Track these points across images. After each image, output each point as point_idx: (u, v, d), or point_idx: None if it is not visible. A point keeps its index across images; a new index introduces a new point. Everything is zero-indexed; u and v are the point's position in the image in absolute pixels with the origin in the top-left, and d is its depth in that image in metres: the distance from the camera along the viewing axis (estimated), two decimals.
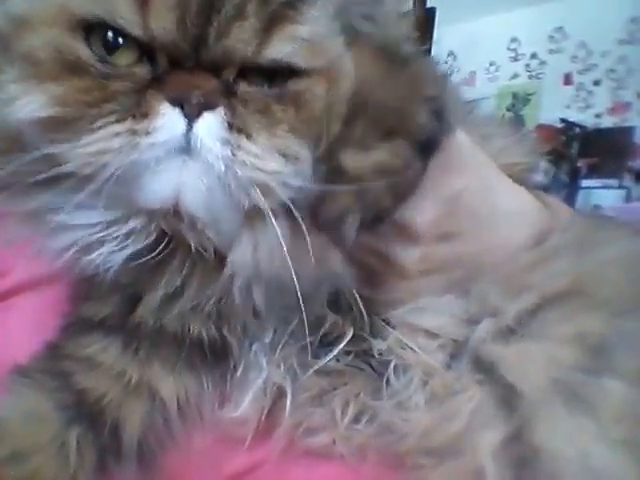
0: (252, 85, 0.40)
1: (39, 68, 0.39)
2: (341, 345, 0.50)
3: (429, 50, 0.56)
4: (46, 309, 0.53)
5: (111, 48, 0.39)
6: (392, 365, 0.50)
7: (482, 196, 0.52)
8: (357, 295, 0.47)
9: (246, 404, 0.50)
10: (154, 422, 0.48)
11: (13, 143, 0.40)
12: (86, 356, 0.49)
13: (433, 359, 0.50)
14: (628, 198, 3.90)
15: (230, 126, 0.38)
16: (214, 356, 0.49)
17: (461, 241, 0.51)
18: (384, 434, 0.50)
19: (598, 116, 4.21)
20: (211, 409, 0.50)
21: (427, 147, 0.43)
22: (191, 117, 0.38)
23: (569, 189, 3.95)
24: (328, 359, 0.51)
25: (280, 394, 0.51)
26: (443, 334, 0.51)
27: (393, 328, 0.51)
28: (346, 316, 0.51)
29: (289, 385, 0.51)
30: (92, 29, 0.39)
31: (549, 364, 0.46)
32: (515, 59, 4.59)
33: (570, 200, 3.56)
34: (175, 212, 0.42)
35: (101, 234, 0.43)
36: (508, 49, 4.60)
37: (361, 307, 0.48)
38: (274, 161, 0.40)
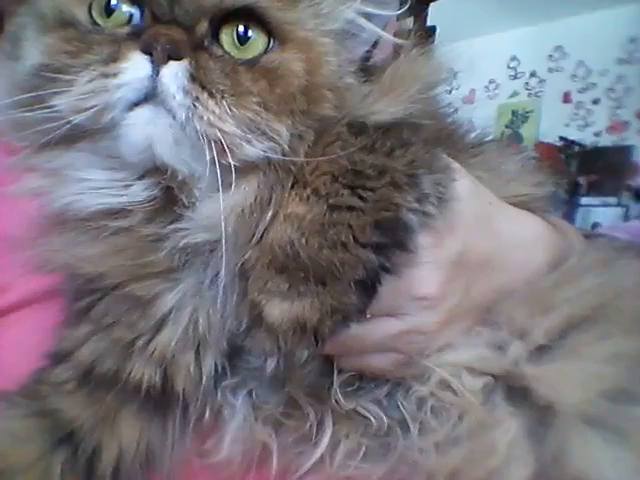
0: (224, 50, 0.43)
1: (43, 23, 0.45)
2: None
3: None
4: (46, 328, 0.52)
5: (109, 11, 0.44)
6: (429, 406, 0.49)
7: (484, 241, 0.51)
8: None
9: (226, 446, 0.49)
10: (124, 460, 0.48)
11: (30, 96, 0.43)
12: (56, 382, 0.49)
13: (475, 398, 0.48)
14: (626, 216, 3.91)
15: (193, 78, 0.41)
16: (155, 402, 0.48)
17: (475, 290, 0.51)
18: (400, 472, 0.49)
19: (597, 134, 4.23)
20: (182, 457, 0.50)
21: (372, 277, 0.42)
22: (158, 63, 0.40)
23: (568, 207, 3.95)
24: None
25: (263, 438, 0.50)
26: (486, 367, 0.49)
27: (433, 370, 0.49)
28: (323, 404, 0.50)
29: (272, 431, 0.50)
30: None
31: (589, 383, 0.46)
32: (515, 77, 4.63)
33: (569, 218, 3.56)
34: (158, 167, 0.44)
35: (105, 185, 0.46)
36: (508, 67, 4.64)
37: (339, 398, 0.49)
38: (234, 125, 0.41)
